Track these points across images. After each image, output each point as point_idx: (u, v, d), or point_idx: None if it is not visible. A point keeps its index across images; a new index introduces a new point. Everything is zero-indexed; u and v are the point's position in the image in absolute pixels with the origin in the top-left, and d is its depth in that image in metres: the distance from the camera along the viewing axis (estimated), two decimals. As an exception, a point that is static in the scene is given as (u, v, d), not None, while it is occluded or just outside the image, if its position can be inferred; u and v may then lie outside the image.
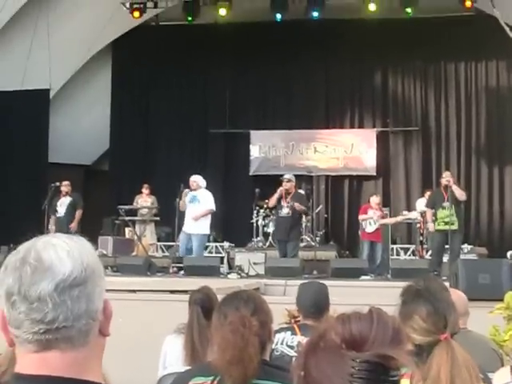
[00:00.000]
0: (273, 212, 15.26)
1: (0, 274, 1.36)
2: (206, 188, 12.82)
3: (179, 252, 12.60)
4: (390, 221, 13.60)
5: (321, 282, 5.13)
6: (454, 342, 2.59)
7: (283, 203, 12.48)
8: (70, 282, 1.33)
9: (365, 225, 13.37)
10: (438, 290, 2.76)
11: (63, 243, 1.37)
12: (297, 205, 12.36)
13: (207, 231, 12.73)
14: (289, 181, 12.64)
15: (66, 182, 13.98)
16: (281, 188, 12.52)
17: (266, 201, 15.35)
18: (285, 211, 12.42)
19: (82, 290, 1.35)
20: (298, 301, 4.51)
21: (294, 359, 1.39)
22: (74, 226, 13.62)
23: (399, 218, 14.17)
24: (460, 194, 11.85)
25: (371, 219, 13.32)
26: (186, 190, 12.68)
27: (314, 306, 4.34)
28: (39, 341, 1.33)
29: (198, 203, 12.46)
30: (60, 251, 1.35)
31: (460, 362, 2.51)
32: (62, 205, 13.82)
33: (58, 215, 13.79)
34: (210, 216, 12.65)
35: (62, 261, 1.34)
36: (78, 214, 13.84)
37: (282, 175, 13.50)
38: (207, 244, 16.65)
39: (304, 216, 14.10)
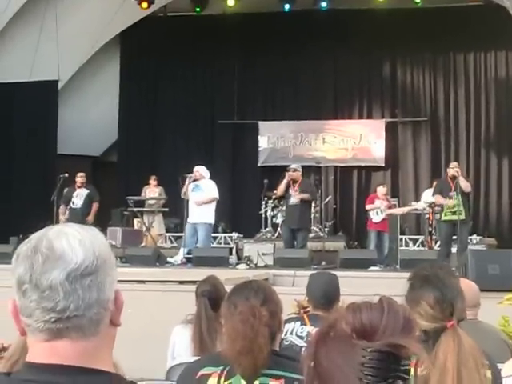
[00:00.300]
0: (281, 203, 15.30)
1: (12, 263, 1.36)
2: (211, 178, 12.77)
3: (185, 244, 12.58)
4: (396, 211, 13.57)
5: (331, 272, 5.12)
6: (461, 329, 2.58)
7: (291, 192, 12.50)
8: (81, 270, 1.33)
9: (372, 214, 13.35)
10: (446, 277, 2.75)
11: (75, 232, 1.37)
12: (302, 195, 12.39)
13: (212, 220, 12.64)
14: (295, 170, 12.66)
15: (81, 174, 13.98)
16: (287, 176, 12.53)
17: (275, 191, 15.37)
18: (294, 200, 12.43)
19: (94, 280, 1.35)
20: (308, 291, 4.51)
21: (303, 349, 1.39)
22: (90, 218, 13.60)
23: (406, 209, 14.14)
24: (465, 186, 11.81)
25: (378, 209, 13.30)
26: (188, 174, 12.62)
27: (324, 296, 4.34)
28: (50, 329, 1.33)
29: (201, 192, 12.41)
30: (72, 240, 1.35)
31: (466, 350, 2.50)
32: (79, 196, 13.80)
33: (73, 206, 13.74)
34: (213, 205, 12.59)
35: (73, 250, 1.34)
36: (95, 206, 13.84)
37: (288, 166, 13.41)
38: (216, 235, 16.71)
39: (313, 203, 14.12)
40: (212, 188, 12.57)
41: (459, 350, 2.50)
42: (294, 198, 12.40)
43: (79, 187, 13.85)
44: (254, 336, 2.66)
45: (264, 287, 2.95)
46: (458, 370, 2.45)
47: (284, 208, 14.10)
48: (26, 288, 1.33)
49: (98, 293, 1.35)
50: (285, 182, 12.55)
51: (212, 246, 16.14)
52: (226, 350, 2.72)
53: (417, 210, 14.44)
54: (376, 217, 13.21)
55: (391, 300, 1.36)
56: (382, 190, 13.49)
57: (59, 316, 1.32)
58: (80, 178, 13.89)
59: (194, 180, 12.57)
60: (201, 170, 12.72)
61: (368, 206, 13.63)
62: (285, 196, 12.77)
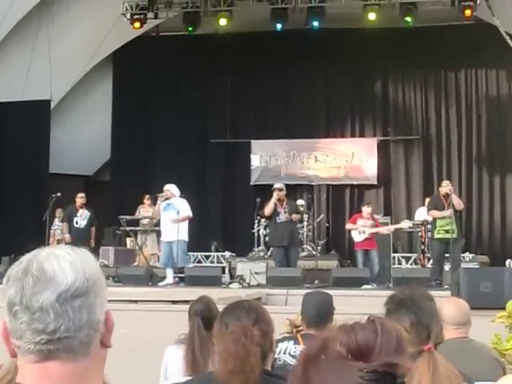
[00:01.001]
0: (266, 222, 15.31)
1: (3, 285, 1.36)
2: (182, 196, 12.67)
3: (161, 263, 12.52)
4: (380, 230, 13.51)
5: (325, 291, 5.12)
6: (437, 352, 2.58)
7: (280, 209, 12.55)
8: (71, 292, 1.33)
9: (354, 234, 13.29)
10: (421, 300, 2.75)
11: (66, 254, 1.38)
12: (293, 216, 12.51)
13: (186, 238, 12.47)
14: (281, 190, 12.77)
15: (81, 194, 14.18)
16: (275, 195, 12.60)
17: (260, 212, 15.38)
18: (283, 216, 12.46)
19: (84, 301, 1.35)
20: (302, 310, 4.51)
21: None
22: (93, 242, 13.91)
23: (391, 228, 14.11)
24: (458, 204, 11.85)
25: (359, 229, 13.18)
26: (160, 194, 12.62)
27: (318, 315, 4.33)
28: (40, 351, 1.33)
29: (174, 210, 12.30)
30: (62, 262, 1.35)
31: (442, 372, 2.49)
32: (82, 216, 13.95)
33: (76, 226, 13.88)
34: (187, 223, 12.49)
35: (64, 271, 1.34)
36: (94, 230, 14.11)
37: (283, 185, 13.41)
38: (208, 254, 16.70)
39: (300, 223, 14.24)
40: (186, 207, 12.47)
41: (434, 372, 2.49)
42: (285, 213, 12.45)
43: (81, 207, 13.99)
44: (245, 356, 2.65)
45: (256, 307, 2.95)
46: None
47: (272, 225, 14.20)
48: (16, 310, 1.33)
49: (89, 314, 1.35)
50: (273, 201, 12.61)
51: (205, 265, 16.16)
52: (218, 370, 2.72)
53: (402, 228, 14.43)
54: (358, 236, 13.14)
55: (383, 319, 1.36)
56: (366, 210, 13.40)
57: (50, 337, 1.32)
58: (81, 198, 14.06)
59: (166, 199, 12.53)
60: (171, 189, 12.65)
61: (347, 226, 13.62)
62: (272, 215, 12.78)
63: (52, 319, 1.32)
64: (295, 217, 12.51)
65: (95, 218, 14.13)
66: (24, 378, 1.35)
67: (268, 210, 12.80)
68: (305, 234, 15.25)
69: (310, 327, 4.33)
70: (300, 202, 16.05)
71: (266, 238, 15.54)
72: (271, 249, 15.05)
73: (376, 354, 1.27)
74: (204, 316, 4.28)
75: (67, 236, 13.82)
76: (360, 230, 13.08)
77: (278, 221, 12.61)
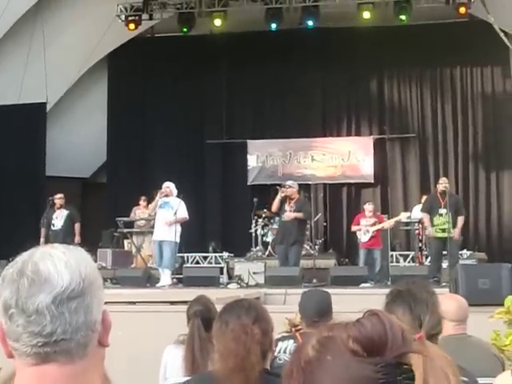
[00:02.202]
0: (271, 220, 15.32)
1: None
2: (179, 196, 12.46)
3: (154, 263, 12.45)
4: (383, 225, 13.53)
5: (324, 290, 5.12)
6: (429, 342, 2.58)
7: (287, 207, 12.48)
8: (67, 294, 1.32)
9: (359, 235, 13.30)
10: (418, 292, 2.76)
11: (61, 254, 1.36)
12: (295, 214, 12.35)
13: (178, 239, 12.24)
14: (289, 187, 12.66)
15: (59, 195, 13.74)
16: (280, 193, 12.53)
17: (265, 210, 15.39)
18: (286, 215, 12.40)
19: (81, 302, 1.34)
20: (300, 309, 4.49)
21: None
22: (78, 239, 13.39)
23: (392, 221, 14.10)
24: (458, 236, 11.95)
25: (363, 229, 13.19)
26: (160, 190, 12.43)
27: (317, 314, 4.32)
28: (38, 354, 1.32)
29: (171, 209, 12.15)
30: (57, 262, 1.34)
31: (434, 360, 2.50)
32: (59, 217, 13.59)
33: (53, 228, 13.54)
34: (180, 225, 12.29)
35: (59, 272, 1.33)
36: (78, 226, 13.66)
37: (279, 184, 13.44)
38: (206, 254, 16.69)
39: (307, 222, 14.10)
40: (183, 208, 12.26)
41: (425, 361, 2.50)
42: (286, 215, 12.37)
43: (58, 208, 13.63)
44: (246, 354, 2.65)
45: (255, 305, 2.95)
46: (425, 381, 2.45)
47: (275, 225, 14.19)
48: (12, 312, 1.32)
49: (86, 315, 1.34)
50: (278, 198, 12.55)
51: (203, 265, 16.16)
52: (218, 369, 2.71)
53: (400, 220, 14.46)
54: (363, 236, 13.14)
55: (384, 313, 1.34)
56: (368, 207, 13.44)
57: (46, 340, 1.31)
58: (58, 199, 13.66)
59: (165, 195, 12.37)
60: (171, 186, 12.51)
61: (353, 228, 13.62)
62: (279, 212, 12.73)
63: (48, 322, 1.31)
64: (297, 215, 12.34)
65: (77, 214, 13.73)
66: (22, 380, 1.35)
67: (274, 206, 12.76)
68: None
69: (309, 326, 4.32)
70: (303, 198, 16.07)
71: (264, 238, 15.56)
72: (268, 248, 15.07)
73: (389, 348, 1.23)
74: (204, 317, 4.26)
75: (41, 240, 13.21)
76: (363, 230, 13.10)
77: (282, 219, 12.59)
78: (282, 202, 12.55)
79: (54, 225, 13.56)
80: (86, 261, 1.39)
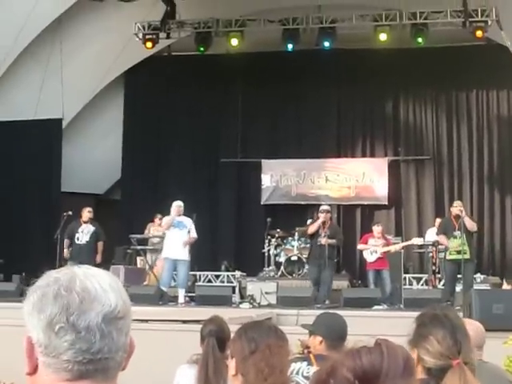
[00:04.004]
0: (284, 241, 15.31)
1: (36, 302, 1.34)
2: (192, 215, 12.70)
3: (163, 282, 12.44)
4: (393, 248, 13.48)
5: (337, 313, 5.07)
6: (467, 368, 2.58)
7: (321, 232, 12.63)
8: (115, 314, 1.35)
9: (365, 254, 13.28)
10: (454, 318, 2.77)
11: (104, 275, 1.40)
12: (330, 241, 12.53)
13: (189, 258, 12.61)
14: (328, 212, 12.94)
15: (89, 209, 13.57)
16: (321, 217, 12.76)
17: (278, 230, 15.43)
18: (322, 240, 12.55)
19: (124, 323, 1.37)
20: (322, 331, 4.40)
21: None
22: (99, 258, 13.25)
23: (402, 244, 14.05)
24: (471, 226, 11.81)
25: (371, 249, 13.18)
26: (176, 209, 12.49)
27: (340, 337, 4.27)
28: (79, 370, 1.32)
29: (185, 229, 12.29)
30: (102, 283, 1.37)
31: None
32: (85, 232, 13.35)
33: (77, 242, 13.29)
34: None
35: (106, 292, 1.35)
36: (101, 245, 13.42)
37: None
38: (219, 273, 16.68)
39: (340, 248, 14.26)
40: (193, 228, 12.49)
41: None
42: (323, 240, 12.51)
43: (85, 222, 13.40)
44: (286, 371, 2.67)
45: (276, 327, 2.95)
46: None
47: (288, 246, 14.25)
48: (60, 327, 1.31)
49: (126, 336, 1.38)
50: (319, 222, 12.74)
51: (215, 284, 16.15)
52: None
53: (413, 244, 14.39)
54: (370, 256, 13.12)
55: (389, 342, 1.36)
56: (377, 229, 13.40)
57: (92, 357, 1.32)
58: (88, 212, 13.45)
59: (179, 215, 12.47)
60: (182, 206, 12.58)
61: (359, 247, 13.59)
62: (314, 235, 12.83)
63: (98, 340, 1.32)
64: (326, 241, 12.51)
65: (102, 233, 13.56)
66: None
67: (311, 229, 12.89)
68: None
69: (329, 348, 4.26)
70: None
71: (277, 258, 15.53)
72: (281, 268, 15.03)
73: (383, 378, 1.26)
74: (218, 337, 4.24)
75: (65, 251, 13.19)
76: (371, 249, 13.06)
77: (318, 243, 12.68)
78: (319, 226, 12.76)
79: (78, 238, 13.33)
80: (121, 284, 1.42)
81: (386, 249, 13.13)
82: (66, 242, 13.42)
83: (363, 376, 1.27)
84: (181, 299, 12.10)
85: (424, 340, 2.64)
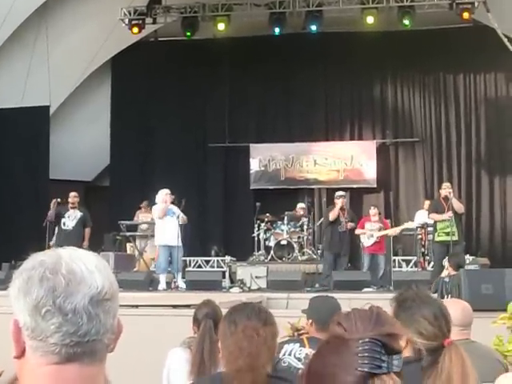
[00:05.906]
0: (273, 225, 15.31)
1: (21, 285, 1.33)
2: (181, 200, 12.78)
3: (159, 268, 12.47)
4: (388, 232, 13.56)
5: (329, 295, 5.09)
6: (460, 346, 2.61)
7: (342, 218, 12.99)
8: (102, 295, 1.34)
9: (362, 239, 13.36)
10: (435, 298, 2.80)
11: (90, 256, 1.38)
12: (350, 225, 13.07)
13: None
14: (344, 197, 13.46)
15: (74, 193, 13.44)
16: (339, 203, 13.16)
17: (267, 214, 15.42)
18: (344, 226, 12.99)
19: (111, 305, 1.36)
20: (313, 314, 4.43)
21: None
22: (86, 243, 13.13)
23: (398, 229, 14.12)
24: (459, 207, 11.91)
25: (367, 233, 13.24)
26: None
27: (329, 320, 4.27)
28: (66, 353, 1.32)
29: (175, 216, 12.41)
30: (89, 264, 1.35)
31: (468, 364, 2.53)
32: (71, 217, 13.28)
33: (64, 227, 13.25)
34: None
35: (92, 274, 1.34)
36: (88, 231, 13.36)
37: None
38: (209, 258, 16.71)
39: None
40: (181, 212, 12.58)
41: (463, 363, 2.52)
42: (348, 225, 13.00)
43: (72, 208, 13.33)
44: (257, 354, 2.66)
45: (264, 309, 2.97)
46: (464, 381, 2.48)
47: (278, 230, 14.30)
48: (46, 310, 1.30)
49: (113, 318, 1.37)
50: (337, 208, 13.07)
51: (205, 269, 16.17)
52: (227, 368, 2.71)
53: (407, 229, 14.45)
54: (367, 241, 13.19)
55: (380, 308, 1.40)
56: (372, 211, 13.52)
57: (79, 340, 1.32)
58: (73, 197, 13.36)
59: (172, 203, 12.63)
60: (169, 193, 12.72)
61: (357, 231, 13.66)
62: (335, 221, 13.10)
63: (85, 322, 1.32)
64: (350, 225, 13.03)
65: (89, 218, 13.45)
66: (35, 379, 1.33)
67: (333, 216, 13.13)
68: (305, 237, 15.24)
69: (319, 331, 4.28)
70: (300, 205, 16.08)
71: (266, 242, 15.53)
72: (271, 252, 15.02)
73: (371, 328, 1.32)
74: (213, 319, 4.25)
75: (53, 238, 13.17)
76: (368, 234, 13.13)
77: (340, 230, 13.01)
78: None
79: (64, 224, 13.29)
80: (107, 266, 1.41)
81: (382, 233, 13.23)
82: (56, 229, 13.39)
83: (353, 328, 1.34)
84: (180, 284, 12.15)
85: (414, 323, 2.64)
